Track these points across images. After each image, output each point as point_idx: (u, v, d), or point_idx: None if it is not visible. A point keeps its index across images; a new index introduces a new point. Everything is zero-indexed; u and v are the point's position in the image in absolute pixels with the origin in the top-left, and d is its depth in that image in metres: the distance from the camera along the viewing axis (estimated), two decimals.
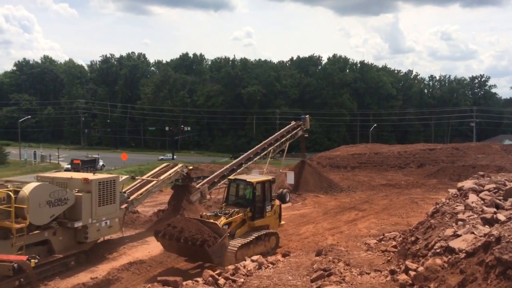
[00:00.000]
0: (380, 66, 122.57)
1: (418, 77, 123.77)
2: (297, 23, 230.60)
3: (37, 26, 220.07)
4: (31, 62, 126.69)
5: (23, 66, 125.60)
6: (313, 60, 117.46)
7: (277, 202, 18.86)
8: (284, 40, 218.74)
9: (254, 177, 18.49)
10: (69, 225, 14.88)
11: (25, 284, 12.49)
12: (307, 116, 35.21)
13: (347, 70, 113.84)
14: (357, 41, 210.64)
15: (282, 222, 19.41)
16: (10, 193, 12.86)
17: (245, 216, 16.82)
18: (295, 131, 32.95)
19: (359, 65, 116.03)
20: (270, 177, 19.45)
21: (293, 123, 34.00)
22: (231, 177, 19.73)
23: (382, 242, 14.98)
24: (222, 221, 15.71)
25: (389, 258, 12.31)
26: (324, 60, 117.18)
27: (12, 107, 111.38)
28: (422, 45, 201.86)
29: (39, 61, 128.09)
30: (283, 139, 31.75)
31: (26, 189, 13.51)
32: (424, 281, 8.70)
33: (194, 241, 14.18)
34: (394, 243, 13.97)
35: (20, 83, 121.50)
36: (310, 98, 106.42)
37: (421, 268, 9.27)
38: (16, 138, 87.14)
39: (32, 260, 11.55)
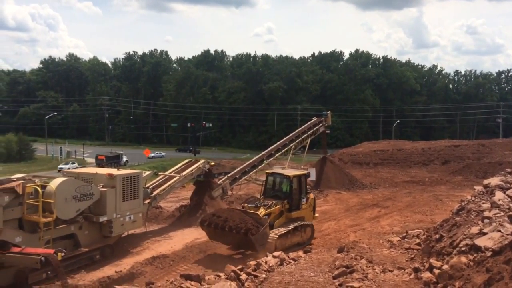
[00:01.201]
0: (404, 61, 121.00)
1: (442, 72, 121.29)
2: (319, 19, 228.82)
3: (62, 25, 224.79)
4: (56, 60, 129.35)
5: (49, 64, 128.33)
6: (334, 56, 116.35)
7: (311, 195, 19.68)
8: (305, 35, 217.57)
9: (291, 171, 19.41)
10: (94, 220, 15.18)
11: (52, 276, 12.81)
12: (329, 112, 34.99)
13: (370, 66, 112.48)
14: (380, 36, 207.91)
15: (316, 215, 20.26)
16: (38, 188, 13.17)
17: (283, 208, 17.80)
18: (316, 127, 32.77)
19: (381, 60, 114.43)
20: (305, 171, 20.37)
21: (314, 119, 33.82)
22: (268, 171, 20.43)
23: (406, 239, 14.79)
24: (262, 212, 16.75)
25: (412, 256, 12.15)
26: (346, 55, 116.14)
27: (39, 104, 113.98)
28: (447, 39, 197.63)
29: (65, 59, 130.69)
30: (305, 135, 31.60)
31: (53, 184, 13.82)
32: (449, 279, 8.56)
33: (238, 230, 15.39)
34: (417, 240, 13.77)
35: (47, 81, 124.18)
36: (332, 94, 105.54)
37: (445, 266, 9.13)
38: (43, 134, 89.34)
39: (59, 254, 11.76)
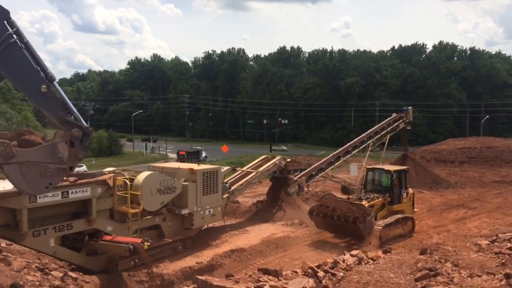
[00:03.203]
0: (493, 52, 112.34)
1: None
2: (399, 10, 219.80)
3: (146, 27, 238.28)
4: (142, 61, 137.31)
5: (135, 64, 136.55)
6: (416, 49, 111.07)
7: (410, 190, 20.52)
8: (384, 29, 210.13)
9: (391, 166, 21.22)
10: (177, 212, 15.89)
11: (139, 264, 13.65)
12: (410, 107, 33.59)
13: (455, 58, 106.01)
14: (466, 26, 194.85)
15: (415, 210, 20.84)
16: (127, 180, 14.06)
17: (385, 201, 18.92)
18: (396, 124, 31.65)
19: (468, 52, 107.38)
20: (405, 167, 21.52)
21: (394, 115, 32.67)
22: (368, 166, 21.59)
23: (495, 243, 13.76)
24: (365, 204, 17.73)
25: (503, 261, 11.28)
26: (429, 48, 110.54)
27: (127, 103, 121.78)
28: None
29: (149, 59, 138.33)
30: (384, 132, 30.65)
31: (140, 178, 14.66)
32: None
33: (347, 218, 16.55)
34: (509, 245, 12.76)
35: (133, 80, 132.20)
36: (413, 89, 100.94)
37: None
38: (130, 131, 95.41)
39: (145, 243, 12.40)
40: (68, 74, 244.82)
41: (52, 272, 10.24)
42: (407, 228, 18.89)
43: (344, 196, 26.69)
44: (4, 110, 55.88)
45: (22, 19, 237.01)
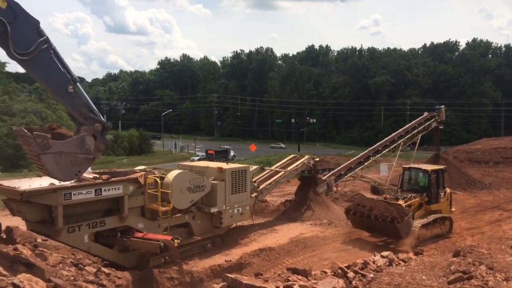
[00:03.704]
0: None
1: None
2: (430, 7, 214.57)
3: (176, 27, 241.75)
4: (172, 61, 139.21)
5: (165, 64, 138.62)
6: (449, 46, 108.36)
7: (448, 189, 20.30)
8: (415, 26, 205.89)
9: (428, 166, 20.87)
10: (206, 210, 16.03)
11: (169, 261, 13.83)
12: (442, 106, 32.81)
13: (489, 55, 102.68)
14: (501, 23, 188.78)
15: (453, 209, 20.56)
16: (157, 179, 14.29)
17: (422, 201, 18.73)
18: (428, 123, 30.97)
19: (503, 49, 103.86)
20: (443, 166, 21.25)
21: (426, 114, 32.00)
22: (405, 165, 21.31)
23: None
24: (402, 204, 17.65)
25: None
26: (462, 45, 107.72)
27: (157, 102, 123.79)
28: None
29: (179, 59, 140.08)
30: (415, 131, 30.03)
31: (170, 176, 14.86)
32: None
33: (384, 218, 16.53)
34: None
35: (163, 80, 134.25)
36: (446, 87, 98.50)
37: None
38: (160, 130, 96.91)
39: (175, 240, 12.56)
40: (100, 75, 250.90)
41: (86, 268, 10.50)
42: (445, 228, 18.90)
43: (374, 196, 26.39)
44: (40, 109, 57.86)
45: (57, 21, 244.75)
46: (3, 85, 57.61)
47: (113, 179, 12.99)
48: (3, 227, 11.14)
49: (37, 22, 8.78)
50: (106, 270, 11.11)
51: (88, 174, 13.06)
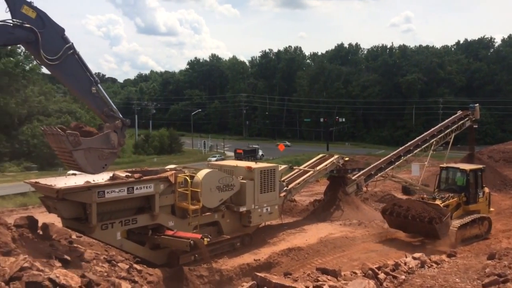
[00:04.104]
0: None
1: None
2: (464, 3, 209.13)
3: (205, 27, 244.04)
4: (201, 61, 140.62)
5: (194, 64, 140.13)
6: (483, 43, 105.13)
7: (486, 189, 20.11)
8: (448, 22, 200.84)
9: (467, 165, 20.66)
10: (235, 209, 16.13)
11: (199, 259, 14.01)
12: (477, 105, 31.88)
13: None
14: None
15: (491, 209, 20.35)
16: (187, 178, 14.48)
17: (460, 201, 18.60)
18: (462, 122, 30.17)
19: None
20: (481, 166, 21.00)
21: (459, 112, 31.18)
22: (443, 165, 21.09)
23: None
24: (439, 204, 17.55)
25: None
26: (497, 42, 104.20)
27: (186, 102, 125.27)
28: None
29: (208, 59, 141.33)
30: (448, 130, 29.30)
31: (200, 175, 15.04)
32: None
33: (422, 218, 16.50)
34: None
35: (192, 80, 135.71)
36: (480, 85, 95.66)
37: None
38: (189, 129, 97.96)
39: (205, 239, 12.72)
40: (132, 75, 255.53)
41: (118, 264, 10.77)
42: (483, 228, 18.69)
43: (405, 197, 25.92)
44: (74, 109, 59.54)
45: (90, 23, 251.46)
46: (39, 86, 59.53)
47: (144, 177, 13.24)
48: (40, 224, 11.54)
49: (62, 30, 9.63)
50: (138, 266, 11.35)
51: (121, 173, 13.38)
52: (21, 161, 52.78)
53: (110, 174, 12.91)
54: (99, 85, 10.43)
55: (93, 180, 11.95)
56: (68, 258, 9.45)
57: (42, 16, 9.33)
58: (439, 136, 28.81)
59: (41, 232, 11.31)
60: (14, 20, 8.96)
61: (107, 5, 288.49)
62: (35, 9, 9.23)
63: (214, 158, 58.66)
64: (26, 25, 9.04)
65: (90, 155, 10.14)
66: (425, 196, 19.66)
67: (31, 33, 9.11)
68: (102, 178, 12.48)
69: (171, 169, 15.07)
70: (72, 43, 9.72)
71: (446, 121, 30.58)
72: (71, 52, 9.73)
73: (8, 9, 8.90)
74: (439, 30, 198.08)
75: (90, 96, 10.29)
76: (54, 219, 12.95)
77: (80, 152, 9.93)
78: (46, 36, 9.33)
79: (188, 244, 12.52)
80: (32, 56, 11.11)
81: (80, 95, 10.65)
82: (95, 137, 10.31)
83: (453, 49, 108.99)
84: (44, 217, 13.80)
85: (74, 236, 12.60)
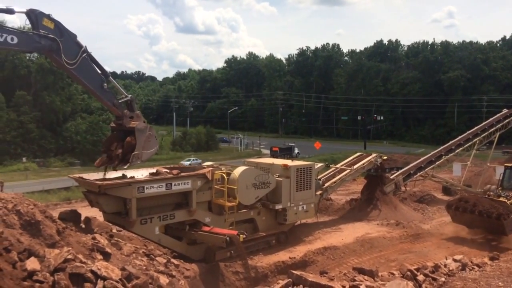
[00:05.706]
0: None
1: None
2: None
3: (242, 26, 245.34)
4: (238, 59, 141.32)
5: (231, 62, 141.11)
6: None
7: None
8: (493, 17, 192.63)
9: None
10: (270, 207, 16.19)
11: (235, 256, 14.15)
12: None
13: None
14: None
15: None
16: (224, 175, 14.64)
17: None
18: (507, 120, 28.95)
19: None
20: None
21: (505, 111, 29.95)
22: (507, 164, 21.24)
23: None
24: (505, 201, 17.79)
25: None
26: None
27: (223, 100, 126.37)
28: None
29: (245, 57, 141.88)
30: (492, 129, 28.22)
31: (236, 172, 15.16)
32: None
33: (490, 214, 16.62)
34: None
35: (229, 78, 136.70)
36: None
37: None
38: (226, 127, 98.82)
39: (241, 235, 12.84)
40: (170, 74, 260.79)
41: (157, 258, 11.04)
42: None
43: (445, 198, 25.17)
44: None
45: (131, 23, 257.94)
46: None
47: (182, 174, 13.49)
48: (82, 218, 11.98)
49: (75, 36, 10.66)
50: (175, 261, 11.59)
51: (161, 169, 13.70)
52: (65, 157, 54.99)
53: (153, 170, 13.29)
54: (109, 78, 11.66)
55: (135, 176, 12.35)
56: (109, 251, 9.75)
57: (59, 26, 10.28)
58: (482, 135, 27.83)
59: (83, 226, 11.74)
60: (40, 31, 9.89)
61: (148, 5, 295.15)
62: (53, 20, 10.16)
63: (188, 162, 45.80)
64: (50, 35, 10.03)
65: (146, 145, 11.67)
66: (490, 193, 19.58)
67: (54, 42, 10.11)
68: (141, 174, 12.79)
69: (208, 166, 15.28)
70: (85, 46, 10.76)
71: (491, 119, 29.47)
72: (85, 54, 10.75)
73: (28, 21, 9.92)
74: (484, 26, 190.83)
75: (102, 91, 11.33)
76: (96, 213, 13.41)
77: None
78: (65, 43, 10.36)
79: (225, 240, 12.67)
80: (52, 62, 12.68)
81: (93, 91, 11.50)
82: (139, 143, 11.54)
83: (498, 45, 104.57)
84: (87, 211, 14.29)
85: (114, 230, 12.98)
